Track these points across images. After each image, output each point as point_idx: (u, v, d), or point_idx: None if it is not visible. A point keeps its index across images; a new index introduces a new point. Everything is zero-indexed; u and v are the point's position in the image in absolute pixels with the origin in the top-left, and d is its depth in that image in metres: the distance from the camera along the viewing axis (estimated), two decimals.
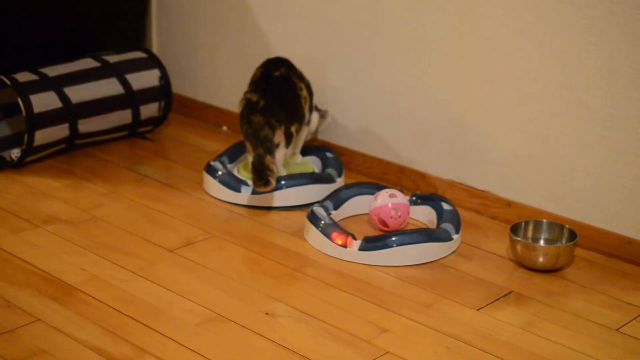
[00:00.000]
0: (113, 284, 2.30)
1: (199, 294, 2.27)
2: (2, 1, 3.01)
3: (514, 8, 2.52)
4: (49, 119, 2.89)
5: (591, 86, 2.44)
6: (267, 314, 2.20)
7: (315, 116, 2.88)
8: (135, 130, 3.17)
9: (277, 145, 2.64)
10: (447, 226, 2.52)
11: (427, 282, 2.36)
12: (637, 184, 2.43)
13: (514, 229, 2.47)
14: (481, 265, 2.45)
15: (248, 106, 2.67)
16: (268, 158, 2.57)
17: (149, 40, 3.46)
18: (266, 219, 2.66)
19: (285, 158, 2.78)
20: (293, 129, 2.69)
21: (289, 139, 2.68)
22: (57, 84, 2.94)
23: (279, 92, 2.69)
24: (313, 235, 2.52)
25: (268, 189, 2.56)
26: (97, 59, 3.09)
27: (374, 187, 2.69)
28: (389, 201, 2.57)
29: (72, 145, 3.02)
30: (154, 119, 3.19)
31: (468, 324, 2.18)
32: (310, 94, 2.82)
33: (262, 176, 2.54)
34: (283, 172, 2.75)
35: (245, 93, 2.72)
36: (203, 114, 3.38)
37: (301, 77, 2.80)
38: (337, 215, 2.62)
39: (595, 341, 2.13)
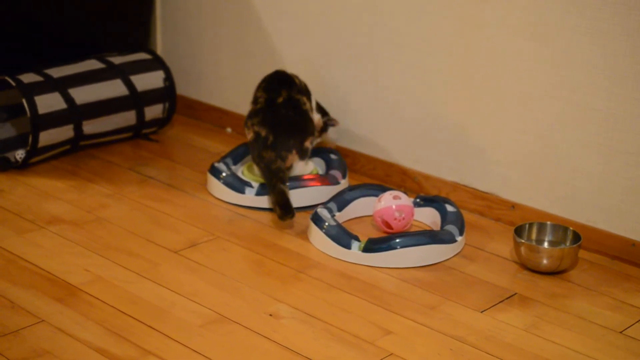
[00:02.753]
0: (117, 284, 2.31)
1: (203, 295, 2.27)
2: (6, 2, 3.01)
3: (517, 9, 2.52)
4: (54, 120, 2.89)
5: (594, 87, 2.44)
6: (270, 315, 2.20)
7: (316, 116, 2.87)
8: (139, 132, 3.18)
9: (291, 167, 2.72)
10: (451, 228, 2.52)
11: (430, 284, 2.36)
12: None
13: (518, 231, 2.47)
14: (485, 267, 2.45)
15: (258, 141, 2.71)
16: (283, 187, 2.61)
17: (154, 42, 3.46)
18: (270, 220, 2.66)
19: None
20: (307, 143, 2.74)
21: (304, 153, 2.74)
22: (61, 85, 2.94)
23: (286, 119, 2.71)
24: (317, 236, 2.52)
25: (293, 218, 2.58)
26: (101, 60, 3.10)
27: (378, 189, 2.69)
28: (392, 203, 2.57)
29: (77, 146, 3.02)
30: (158, 120, 3.20)
31: (472, 326, 2.18)
32: (308, 95, 2.82)
33: (288, 210, 2.57)
34: (309, 169, 2.80)
35: (253, 124, 2.73)
36: (207, 115, 3.38)
37: (300, 90, 2.79)
38: (341, 216, 2.63)
39: (599, 343, 2.13)
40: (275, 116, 2.71)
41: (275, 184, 2.62)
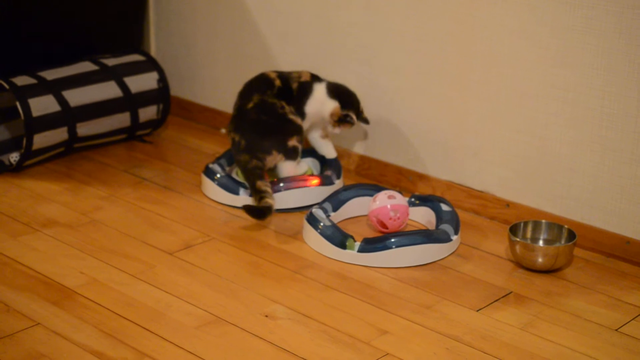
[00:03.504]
0: (112, 287, 2.30)
1: (198, 297, 2.27)
2: (0, 5, 3.01)
3: (512, 9, 2.52)
4: (48, 122, 2.89)
5: (589, 86, 2.44)
6: (266, 316, 2.20)
7: (331, 104, 2.82)
8: (133, 133, 3.17)
9: (275, 167, 2.74)
10: (446, 227, 2.52)
11: (426, 283, 2.36)
12: (635, 183, 2.43)
13: (513, 230, 2.47)
14: (480, 266, 2.45)
15: (234, 146, 2.75)
16: (259, 183, 2.63)
17: (147, 43, 3.46)
18: (265, 221, 2.66)
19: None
20: (292, 142, 2.73)
21: (290, 153, 2.73)
22: (55, 88, 2.94)
23: (257, 125, 2.71)
24: (312, 237, 2.52)
25: (271, 214, 2.59)
26: (95, 62, 3.09)
27: (373, 189, 2.69)
28: (387, 202, 2.57)
29: (71, 148, 3.02)
30: (152, 122, 3.19)
31: (467, 324, 2.18)
32: (302, 95, 2.80)
33: (260, 213, 2.58)
34: (302, 170, 2.80)
35: (230, 130, 2.75)
36: (201, 117, 3.38)
37: (279, 94, 2.74)
38: (336, 216, 2.62)
39: (594, 341, 2.13)
40: (244, 121, 2.72)
41: (254, 182, 2.63)
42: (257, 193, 2.61)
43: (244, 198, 2.72)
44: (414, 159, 2.85)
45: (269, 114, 2.72)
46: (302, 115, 2.79)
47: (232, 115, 2.78)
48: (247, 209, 2.59)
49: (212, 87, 3.34)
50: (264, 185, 2.63)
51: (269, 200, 2.59)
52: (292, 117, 2.75)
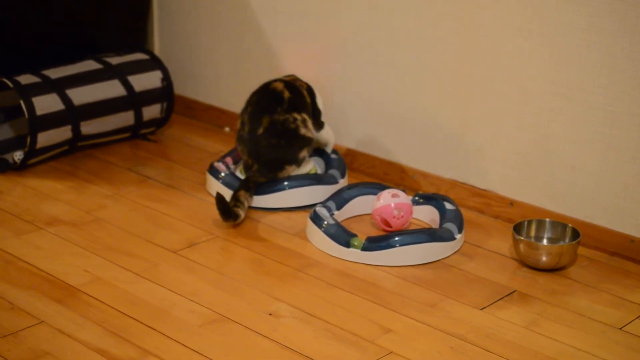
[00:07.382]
0: (116, 285, 2.31)
1: (202, 295, 2.27)
2: (3, 3, 3.01)
3: (515, 7, 2.52)
4: (52, 121, 2.89)
5: (592, 84, 2.44)
6: (270, 314, 2.20)
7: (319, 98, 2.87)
8: (137, 132, 3.18)
9: (290, 174, 2.75)
10: (450, 226, 2.52)
11: (430, 282, 2.36)
12: (639, 182, 2.43)
13: (517, 228, 2.47)
14: (484, 264, 2.45)
15: (245, 167, 2.76)
16: (241, 193, 2.63)
17: (151, 42, 3.46)
18: (269, 219, 2.66)
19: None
20: (303, 154, 2.73)
21: (302, 161, 2.75)
22: (59, 86, 2.94)
23: (269, 150, 2.69)
24: (316, 235, 2.52)
25: (234, 221, 2.60)
26: (99, 60, 3.10)
27: (377, 187, 2.69)
28: (391, 201, 2.57)
29: (75, 147, 3.02)
30: (156, 121, 3.19)
31: (471, 323, 2.18)
32: (311, 95, 2.80)
33: (227, 212, 2.58)
34: (307, 168, 2.81)
35: (242, 151, 2.74)
36: (205, 115, 3.38)
37: (290, 107, 2.70)
38: (340, 215, 2.63)
39: (598, 340, 2.13)
40: (257, 148, 2.70)
41: (239, 190, 2.63)
42: (234, 199, 2.61)
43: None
44: (418, 157, 2.85)
45: (280, 135, 2.68)
46: (318, 113, 2.79)
47: (243, 136, 2.72)
48: (219, 198, 2.57)
49: (216, 85, 3.34)
50: (243, 197, 2.62)
51: (239, 211, 2.59)
52: (303, 132, 2.71)
